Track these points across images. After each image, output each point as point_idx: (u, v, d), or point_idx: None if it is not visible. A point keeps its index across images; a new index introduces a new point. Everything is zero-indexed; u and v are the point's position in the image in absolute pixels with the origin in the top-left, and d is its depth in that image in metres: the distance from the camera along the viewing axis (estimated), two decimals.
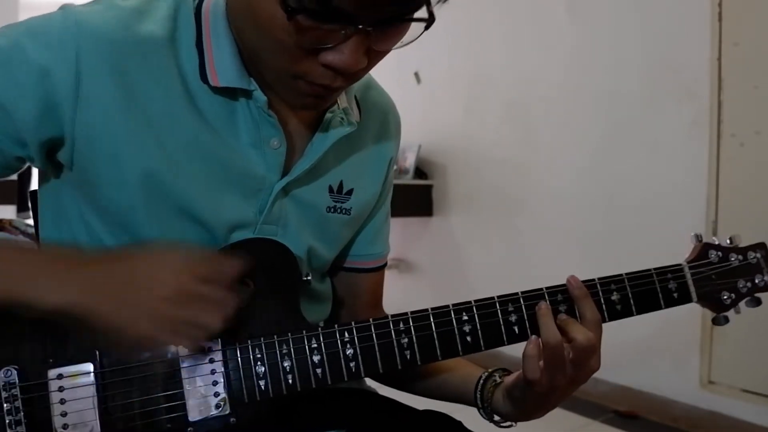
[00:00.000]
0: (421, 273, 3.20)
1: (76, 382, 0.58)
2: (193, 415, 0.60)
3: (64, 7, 0.60)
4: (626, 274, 0.70)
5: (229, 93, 0.64)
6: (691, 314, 2.13)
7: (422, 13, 0.55)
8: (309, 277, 0.67)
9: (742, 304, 0.74)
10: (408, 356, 0.64)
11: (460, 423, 0.74)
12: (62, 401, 0.58)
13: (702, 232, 0.79)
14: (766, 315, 1.99)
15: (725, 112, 2.01)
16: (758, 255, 0.75)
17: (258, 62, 0.61)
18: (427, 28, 0.56)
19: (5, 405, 0.56)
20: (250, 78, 0.63)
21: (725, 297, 0.74)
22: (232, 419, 0.61)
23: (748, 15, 1.95)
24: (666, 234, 1.93)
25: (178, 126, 0.62)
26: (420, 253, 3.23)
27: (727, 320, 0.74)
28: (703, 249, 0.74)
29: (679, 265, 0.73)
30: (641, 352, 2.26)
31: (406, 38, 0.57)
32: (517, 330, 0.66)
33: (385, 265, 0.86)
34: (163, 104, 0.61)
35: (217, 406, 0.60)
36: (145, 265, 0.58)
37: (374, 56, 0.58)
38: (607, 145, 2.35)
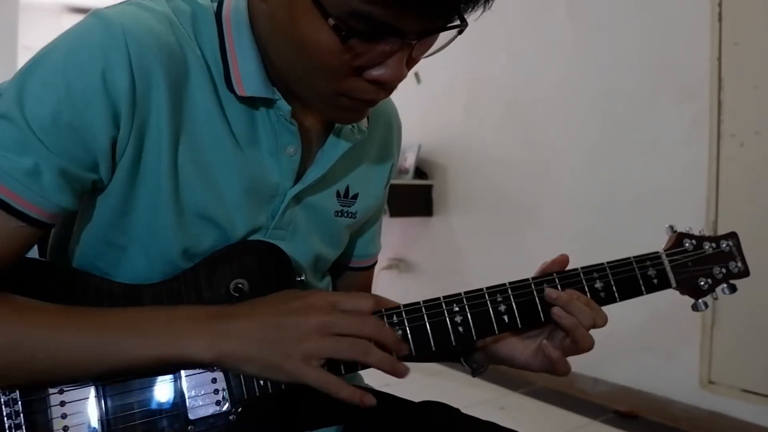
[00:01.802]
0: (421, 273, 3.20)
1: (77, 393, 0.58)
2: (194, 414, 0.60)
3: (96, 14, 0.57)
4: (607, 262, 0.73)
5: (250, 101, 0.63)
6: (691, 314, 2.13)
7: (456, 20, 0.56)
8: (302, 278, 0.68)
9: (719, 290, 0.78)
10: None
11: (457, 410, 0.76)
12: (62, 403, 0.57)
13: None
14: (766, 315, 2.00)
15: (725, 112, 2.01)
16: (730, 243, 0.79)
17: (296, 82, 0.61)
18: (460, 32, 0.57)
19: (5, 409, 0.56)
20: (272, 87, 0.63)
21: (702, 283, 0.77)
22: (231, 416, 0.60)
23: (748, 15, 1.95)
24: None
25: (209, 132, 0.62)
26: (420, 253, 3.23)
27: (706, 306, 0.78)
28: (678, 238, 0.78)
29: (657, 252, 0.76)
30: (641, 352, 2.26)
31: (437, 44, 0.58)
32: (506, 319, 0.68)
33: (377, 261, 0.91)
34: (198, 108, 0.61)
35: (217, 403, 0.60)
36: (289, 306, 0.60)
37: (410, 65, 0.58)
38: (607, 145, 2.36)
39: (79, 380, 0.57)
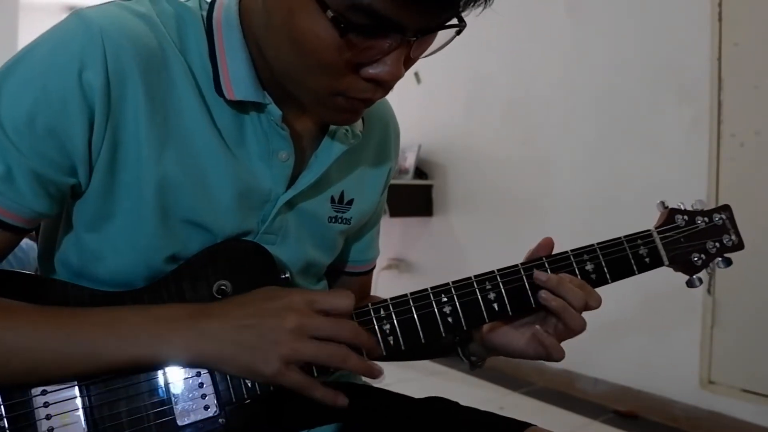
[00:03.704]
0: (421, 273, 3.20)
1: (61, 396, 0.57)
2: (182, 420, 0.59)
3: (77, 13, 0.56)
4: (597, 243, 0.71)
5: (240, 105, 0.63)
6: (692, 314, 2.14)
7: (454, 19, 0.55)
8: (287, 275, 0.67)
9: (713, 264, 0.76)
10: (391, 342, 0.64)
11: (456, 403, 0.75)
12: (48, 417, 0.57)
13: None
14: (766, 315, 1.99)
15: (725, 112, 2.01)
16: (723, 216, 0.77)
17: (291, 82, 0.60)
18: (458, 33, 0.56)
19: None
20: (263, 91, 0.62)
21: (695, 258, 0.75)
22: (221, 420, 0.60)
23: (748, 15, 1.95)
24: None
25: (199, 137, 0.61)
26: (420, 253, 3.23)
27: (701, 281, 0.76)
28: (669, 214, 0.76)
29: (648, 231, 0.74)
30: (641, 352, 2.26)
31: (435, 44, 0.57)
32: (496, 307, 0.67)
33: (374, 266, 0.89)
34: (184, 113, 0.60)
35: (206, 408, 0.60)
36: (266, 307, 0.59)
37: (408, 64, 0.58)
38: (607, 145, 2.35)
39: (57, 380, 0.57)
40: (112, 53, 0.55)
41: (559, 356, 0.68)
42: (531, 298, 0.68)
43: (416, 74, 3.10)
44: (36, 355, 0.55)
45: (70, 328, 0.57)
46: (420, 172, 3.10)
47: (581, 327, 0.67)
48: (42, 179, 0.56)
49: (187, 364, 0.58)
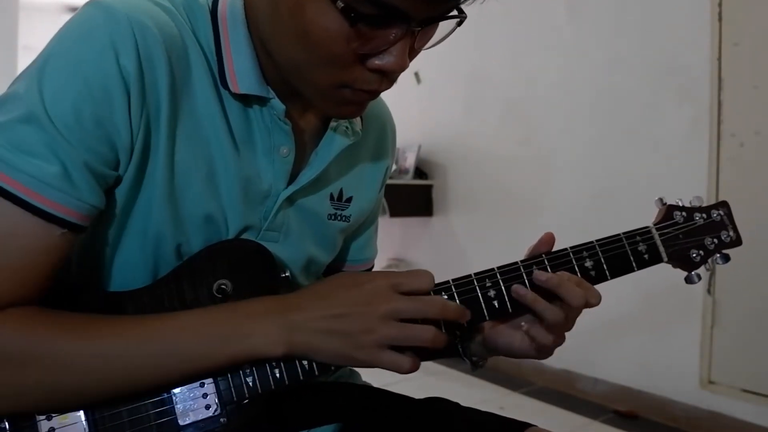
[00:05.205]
0: None
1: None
2: (183, 420, 0.59)
3: (95, 3, 0.56)
4: (596, 240, 0.71)
5: (245, 99, 0.63)
6: (691, 314, 2.14)
7: (455, 11, 0.56)
8: (287, 274, 0.67)
9: (712, 261, 0.76)
10: None
11: (456, 403, 0.75)
12: (49, 417, 0.56)
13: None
14: (766, 315, 1.99)
15: (725, 112, 2.01)
16: (721, 212, 0.77)
17: (297, 76, 0.60)
18: (459, 24, 0.57)
19: None
20: (267, 86, 0.63)
21: (694, 255, 0.75)
22: (222, 419, 0.60)
23: (748, 15, 1.95)
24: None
25: (210, 127, 0.61)
26: (420, 253, 3.23)
27: (699, 278, 0.76)
28: (668, 211, 0.76)
29: (647, 227, 0.75)
30: (641, 352, 2.26)
31: (437, 36, 0.58)
32: (497, 304, 0.67)
33: (373, 266, 0.89)
34: (198, 100, 0.61)
35: (207, 407, 0.60)
36: (353, 295, 0.60)
37: (411, 56, 0.58)
38: (608, 145, 2.36)
39: (150, 391, 0.58)
40: (141, 39, 0.55)
41: (545, 342, 0.67)
42: None
43: (416, 74, 3.10)
44: (131, 368, 0.56)
45: (159, 335, 0.57)
46: (420, 172, 3.10)
47: (556, 318, 0.66)
48: (94, 172, 0.55)
49: (280, 357, 0.59)
